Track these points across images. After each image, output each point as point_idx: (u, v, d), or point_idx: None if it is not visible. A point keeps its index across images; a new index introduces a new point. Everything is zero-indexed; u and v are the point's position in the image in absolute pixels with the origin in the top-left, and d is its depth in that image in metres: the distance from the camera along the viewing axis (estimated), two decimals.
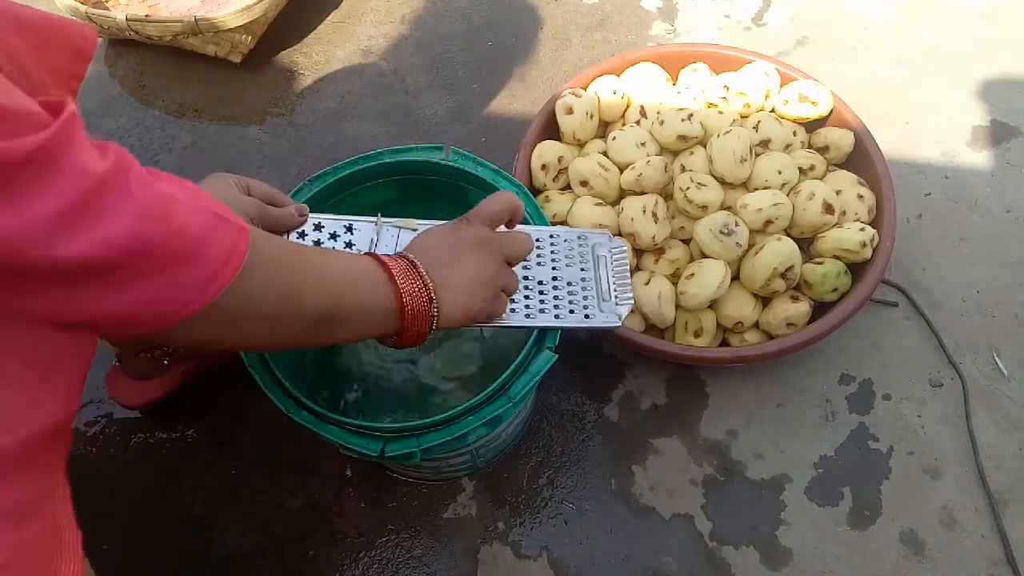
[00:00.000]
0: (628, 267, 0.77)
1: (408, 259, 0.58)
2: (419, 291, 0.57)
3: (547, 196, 0.99)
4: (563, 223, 0.96)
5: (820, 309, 0.91)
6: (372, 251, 0.59)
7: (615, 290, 0.75)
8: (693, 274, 0.90)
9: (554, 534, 0.89)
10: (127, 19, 1.18)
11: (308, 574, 0.88)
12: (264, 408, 0.96)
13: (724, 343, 0.95)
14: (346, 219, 0.70)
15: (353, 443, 0.67)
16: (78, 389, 0.51)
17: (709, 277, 0.88)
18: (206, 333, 0.47)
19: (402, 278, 0.56)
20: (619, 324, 0.73)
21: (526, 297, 0.72)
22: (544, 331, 0.72)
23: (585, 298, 0.73)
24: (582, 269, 0.75)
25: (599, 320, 0.73)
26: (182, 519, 0.91)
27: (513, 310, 0.70)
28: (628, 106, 1.05)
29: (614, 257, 0.77)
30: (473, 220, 0.63)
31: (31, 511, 0.48)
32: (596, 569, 0.87)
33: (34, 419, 0.50)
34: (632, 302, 0.75)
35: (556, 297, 0.72)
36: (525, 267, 0.73)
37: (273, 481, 0.93)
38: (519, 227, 0.76)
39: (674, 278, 0.93)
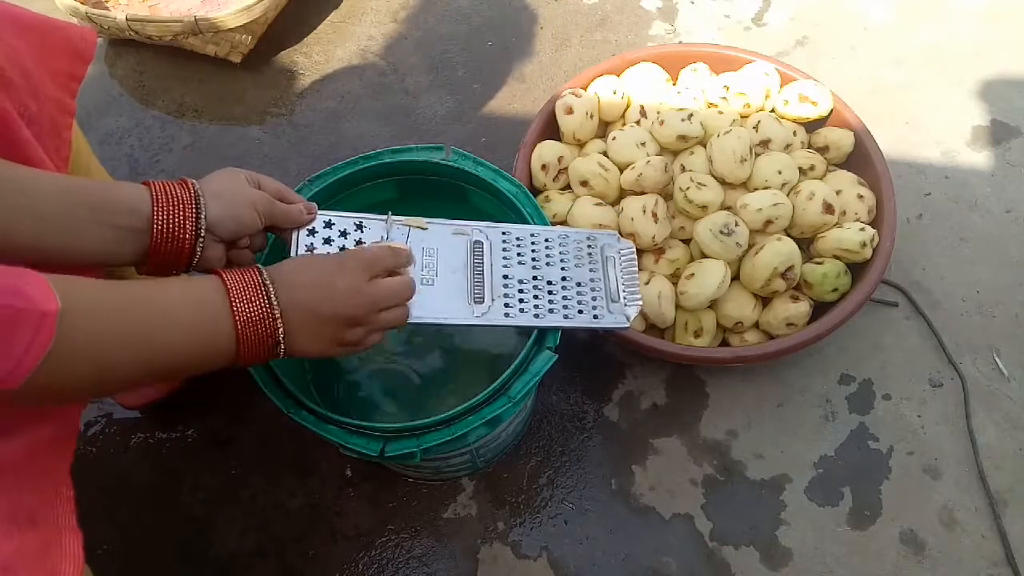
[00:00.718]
0: (636, 268, 0.77)
1: (265, 290, 0.55)
2: (263, 333, 0.54)
3: (547, 196, 0.99)
4: (563, 223, 0.96)
5: (820, 309, 0.91)
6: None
7: (624, 291, 0.75)
8: (693, 274, 0.90)
9: (554, 534, 0.89)
10: (127, 19, 1.18)
11: (308, 574, 0.88)
12: (264, 408, 0.96)
13: (724, 343, 0.95)
14: (357, 216, 0.70)
15: (353, 443, 0.67)
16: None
17: (709, 277, 0.88)
18: (24, 402, 0.45)
19: (246, 317, 0.53)
20: (628, 325, 0.73)
21: (535, 297, 0.72)
22: (544, 331, 0.72)
23: (594, 299, 0.74)
24: (591, 270, 0.75)
25: (608, 321, 0.73)
26: (182, 519, 0.91)
27: (522, 310, 0.71)
28: (628, 106, 1.05)
29: (623, 258, 0.77)
30: (352, 264, 0.60)
31: (33, 515, 0.48)
32: (596, 569, 0.87)
33: (38, 425, 0.50)
34: (641, 303, 0.75)
35: (565, 297, 0.73)
36: (535, 267, 0.74)
37: (273, 481, 0.93)
38: (527, 227, 0.76)
39: (674, 278, 0.93)
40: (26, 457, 0.48)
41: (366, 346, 0.62)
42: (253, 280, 0.55)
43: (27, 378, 0.41)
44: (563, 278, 0.74)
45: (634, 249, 0.78)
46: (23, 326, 0.41)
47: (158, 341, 0.50)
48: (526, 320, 0.70)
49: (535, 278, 0.73)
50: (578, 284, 0.74)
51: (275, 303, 0.55)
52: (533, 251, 0.75)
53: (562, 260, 0.75)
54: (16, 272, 0.42)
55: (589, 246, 0.77)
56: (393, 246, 0.65)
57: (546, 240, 0.76)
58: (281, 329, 0.55)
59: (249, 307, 0.54)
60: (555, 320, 0.71)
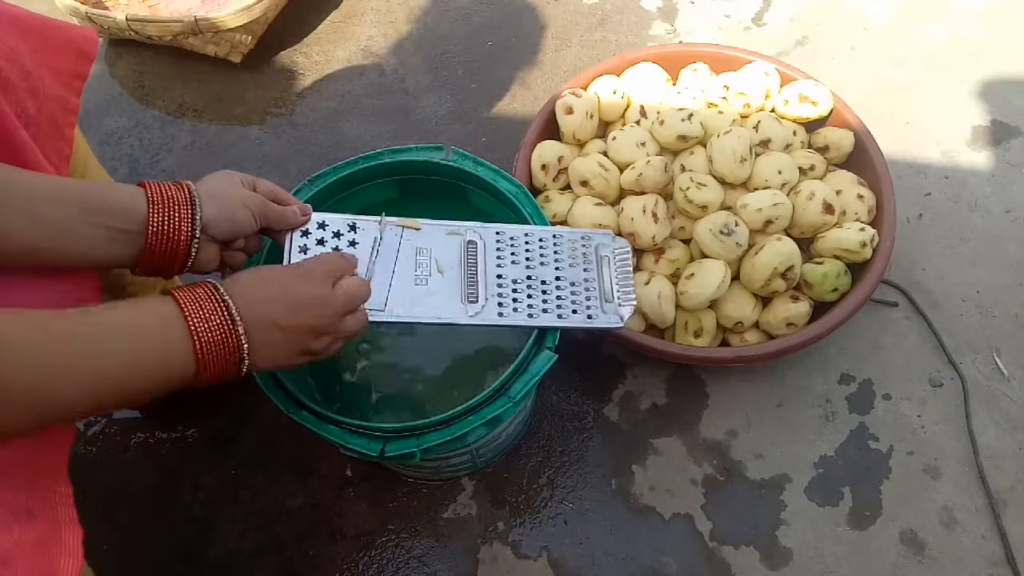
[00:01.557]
0: (631, 268, 0.77)
1: (225, 307, 0.53)
2: (226, 352, 0.52)
3: (547, 196, 0.99)
4: (563, 223, 0.96)
5: (820, 309, 0.91)
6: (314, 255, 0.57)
7: (618, 291, 0.75)
8: (693, 274, 0.90)
9: (554, 534, 0.89)
10: (127, 19, 1.18)
11: (308, 574, 0.88)
12: (264, 408, 0.96)
13: (724, 343, 0.95)
14: (350, 218, 0.70)
15: (353, 443, 0.67)
16: None
17: (709, 277, 0.88)
18: None
19: (205, 337, 0.51)
20: (622, 325, 0.74)
21: (529, 296, 0.72)
22: (544, 331, 0.72)
23: (588, 298, 0.74)
24: (585, 269, 0.76)
25: (602, 321, 0.73)
26: (182, 519, 0.91)
27: (516, 310, 0.71)
28: (628, 106, 1.05)
29: (617, 257, 0.77)
30: (317, 272, 0.59)
31: (32, 509, 0.48)
32: (596, 569, 0.87)
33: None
34: (635, 303, 0.75)
35: (559, 297, 0.73)
36: (528, 267, 0.74)
37: (273, 481, 0.93)
38: (521, 227, 0.76)
39: (674, 278, 0.93)
40: (19, 454, 0.47)
41: (328, 353, 0.61)
42: (209, 297, 0.53)
43: None
44: (557, 278, 0.74)
45: (629, 248, 0.78)
46: None
47: (105, 370, 0.47)
48: (520, 320, 0.70)
49: (529, 278, 0.73)
50: (572, 284, 0.74)
51: (237, 319, 0.53)
52: (527, 251, 0.75)
53: (556, 260, 0.75)
54: None
55: (584, 246, 0.77)
56: (342, 253, 0.65)
57: (540, 240, 0.76)
58: (246, 345, 0.53)
59: (208, 325, 0.51)
60: (549, 320, 0.71)
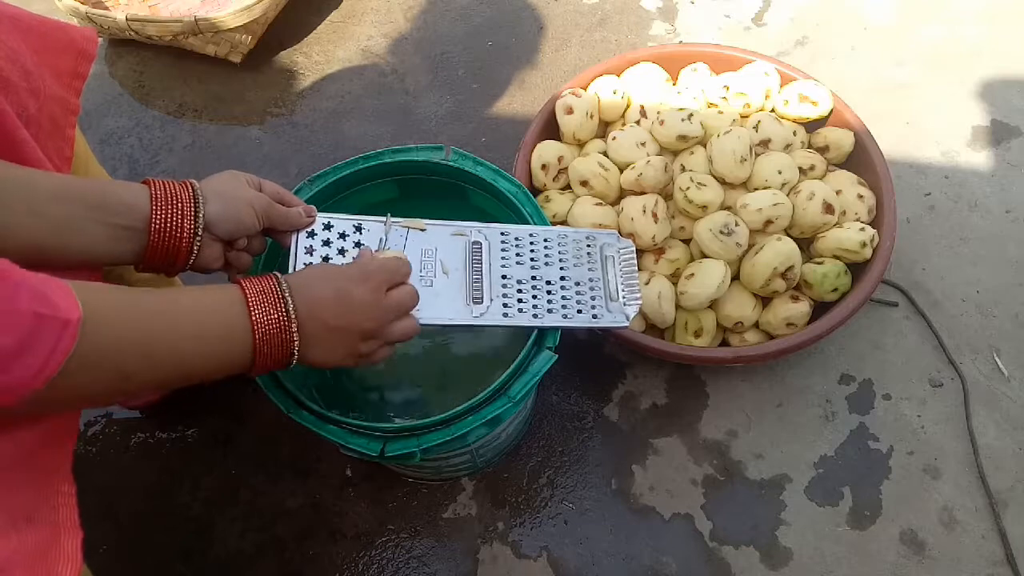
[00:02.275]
0: (636, 267, 0.77)
1: (283, 302, 0.55)
2: (279, 345, 0.54)
3: (547, 196, 0.99)
4: (563, 223, 0.96)
5: (820, 309, 0.91)
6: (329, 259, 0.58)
7: (623, 290, 0.75)
8: (693, 274, 0.90)
9: (554, 534, 0.89)
10: (127, 19, 1.18)
11: (308, 574, 0.88)
12: (264, 408, 0.96)
13: (724, 343, 0.95)
14: (355, 219, 0.70)
15: (353, 443, 0.67)
16: None
17: (709, 277, 0.88)
18: (44, 407, 0.46)
19: (265, 329, 0.53)
20: (627, 324, 0.73)
21: (534, 297, 0.72)
22: (544, 331, 0.72)
23: (593, 298, 0.74)
24: (590, 269, 0.75)
25: (607, 320, 0.73)
26: (182, 519, 0.91)
27: (521, 310, 0.71)
28: (628, 106, 1.05)
29: (622, 257, 0.77)
30: (374, 277, 0.60)
31: (32, 514, 0.48)
32: (596, 569, 0.87)
33: (33, 422, 0.50)
34: (640, 302, 0.75)
35: (564, 297, 0.73)
36: (533, 267, 0.74)
37: (273, 481, 0.93)
38: (526, 227, 0.76)
39: (674, 278, 0.93)
40: (22, 455, 0.47)
41: (376, 360, 0.62)
42: (272, 290, 0.55)
43: (48, 383, 0.42)
44: (562, 278, 0.74)
45: (634, 248, 0.78)
46: (47, 332, 0.42)
47: (177, 349, 0.50)
48: (525, 320, 0.70)
49: (534, 278, 0.73)
50: (577, 284, 0.74)
51: (292, 315, 0.55)
52: (532, 251, 0.75)
53: (561, 260, 0.75)
54: (42, 279, 0.43)
55: (588, 245, 0.77)
56: (401, 257, 0.65)
57: (545, 240, 0.76)
58: (297, 341, 0.55)
59: (267, 318, 0.54)
60: (554, 320, 0.71)
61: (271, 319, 0.54)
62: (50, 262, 0.52)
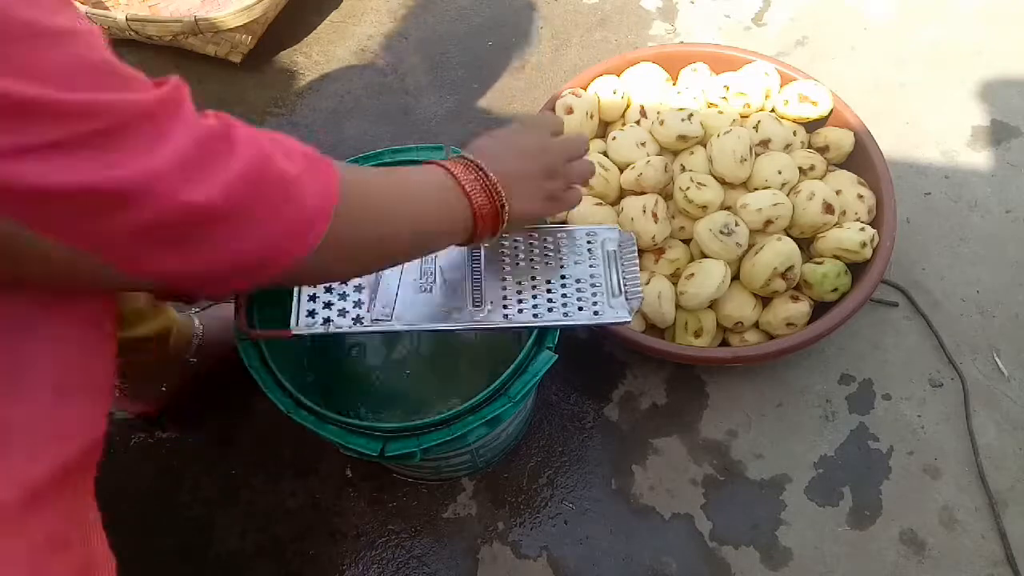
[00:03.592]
0: (637, 260, 0.76)
1: (476, 165, 0.62)
2: (490, 200, 0.61)
3: None
4: (563, 223, 0.96)
5: (820, 309, 0.91)
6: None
7: (625, 285, 0.74)
8: (693, 274, 0.90)
9: (554, 534, 0.89)
10: (127, 19, 1.18)
11: (308, 574, 0.88)
12: (264, 408, 0.96)
13: (724, 343, 0.95)
14: None
15: (353, 443, 0.67)
16: (103, 409, 0.50)
17: (709, 277, 0.88)
18: (318, 267, 0.51)
19: (473, 187, 0.60)
20: (630, 319, 0.72)
21: (534, 298, 0.72)
22: (544, 331, 0.72)
23: (594, 294, 0.73)
24: (591, 266, 0.75)
25: (609, 316, 0.72)
26: (182, 519, 0.91)
27: (521, 311, 0.70)
28: (628, 106, 1.05)
29: (624, 251, 0.76)
30: (532, 126, 0.69)
31: (68, 538, 0.47)
32: (596, 569, 0.87)
33: (64, 443, 0.49)
34: (642, 296, 0.74)
35: (565, 296, 0.72)
36: (533, 267, 0.73)
37: (273, 481, 0.93)
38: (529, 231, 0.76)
39: (674, 278, 0.93)
40: (55, 480, 0.47)
41: (569, 202, 0.70)
42: (470, 167, 0.61)
43: (330, 219, 0.48)
44: (563, 276, 0.74)
45: (635, 241, 0.77)
46: (315, 177, 0.48)
47: (419, 211, 0.58)
48: (525, 320, 0.70)
49: (534, 278, 0.73)
50: (578, 281, 0.74)
51: (491, 176, 0.61)
52: (532, 251, 0.75)
53: (561, 259, 0.75)
54: (291, 140, 0.49)
55: (589, 242, 0.76)
56: (551, 114, 0.78)
57: (545, 240, 0.76)
58: (503, 193, 0.61)
59: (475, 185, 0.60)
60: (555, 319, 0.71)
61: (479, 186, 0.60)
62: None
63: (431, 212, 0.59)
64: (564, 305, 0.72)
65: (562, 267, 0.74)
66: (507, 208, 0.62)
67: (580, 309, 0.72)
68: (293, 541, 0.89)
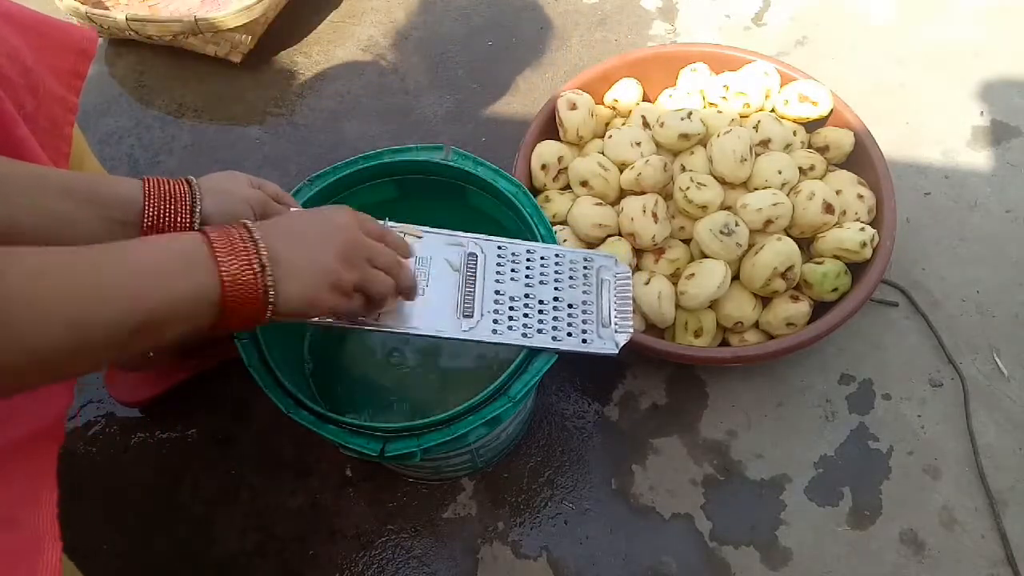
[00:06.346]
0: (631, 293, 0.76)
1: (244, 227, 0.51)
2: (251, 271, 0.49)
3: (547, 196, 0.99)
4: (563, 223, 0.96)
5: (820, 309, 0.91)
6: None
7: (616, 316, 0.74)
8: (693, 274, 0.90)
9: (554, 534, 0.89)
10: (127, 19, 1.18)
11: (308, 574, 0.88)
12: (264, 408, 0.96)
13: (724, 343, 0.95)
14: None
15: (353, 443, 0.67)
16: (60, 394, 0.50)
17: (709, 277, 0.88)
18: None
19: (227, 253, 0.49)
20: (616, 352, 0.72)
21: (525, 316, 0.71)
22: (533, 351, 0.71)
23: (585, 321, 0.72)
24: (584, 291, 0.74)
25: (596, 346, 0.72)
26: (182, 519, 0.91)
27: (511, 328, 0.70)
28: (629, 112, 1.05)
29: (618, 282, 0.76)
30: (346, 209, 0.59)
31: (14, 517, 0.47)
32: (596, 569, 0.87)
33: (9, 425, 0.49)
34: (631, 331, 0.74)
35: (556, 318, 0.72)
36: (528, 284, 0.73)
37: (273, 481, 0.93)
38: (523, 243, 0.75)
39: (674, 278, 0.93)
40: (5, 453, 0.47)
41: (355, 307, 0.58)
42: (237, 230, 0.51)
43: None
44: (555, 298, 0.73)
45: (630, 274, 0.77)
46: None
47: (135, 293, 0.45)
48: (513, 338, 0.69)
49: (527, 296, 0.72)
50: (570, 305, 0.73)
51: (258, 237, 0.51)
52: (528, 268, 0.74)
53: (556, 279, 0.74)
54: None
55: (585, 267, 0.76)
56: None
57: (542, 258, 0.75)
58: (269, 267, 0.50)
59: (231, 249, 0.49)
60: (543, 341, 0.70)
61: (236, 248, 0.49)
62: None
63: (156, 294, 0.45)
64: (555, 328, 0.71)
65: (556, 288, 0.73)
66: (272, 292, 0.50)
67: (569, 335, 0.71)
68: (293, 541, 0.89)
